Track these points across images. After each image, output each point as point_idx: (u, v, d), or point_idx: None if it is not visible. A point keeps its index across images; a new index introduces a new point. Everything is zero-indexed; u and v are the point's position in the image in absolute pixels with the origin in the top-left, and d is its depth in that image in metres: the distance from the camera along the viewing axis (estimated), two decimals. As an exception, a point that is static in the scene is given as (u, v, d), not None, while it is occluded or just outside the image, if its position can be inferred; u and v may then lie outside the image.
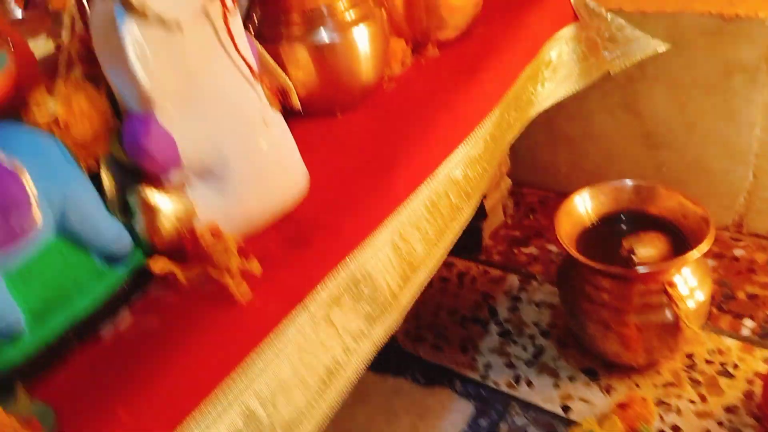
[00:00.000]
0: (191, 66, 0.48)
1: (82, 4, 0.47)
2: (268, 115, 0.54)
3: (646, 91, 0.90)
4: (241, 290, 0.47)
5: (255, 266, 0.49)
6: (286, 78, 0.61)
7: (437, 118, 0.64)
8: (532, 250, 0.99)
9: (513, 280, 0.94)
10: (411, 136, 0.62)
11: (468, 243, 0.98)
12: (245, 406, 0.45)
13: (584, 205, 0.80)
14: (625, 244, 0.72)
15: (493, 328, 0.87)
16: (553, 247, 0.99)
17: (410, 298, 0.59)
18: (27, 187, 0.42)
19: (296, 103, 0.61)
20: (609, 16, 0.82)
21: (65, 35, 0.48)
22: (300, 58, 0.63)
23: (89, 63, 0.49)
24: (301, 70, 0.64)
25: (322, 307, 0.50)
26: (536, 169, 0.81)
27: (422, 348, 0.85)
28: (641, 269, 0.71)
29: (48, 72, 0.52)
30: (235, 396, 0.45)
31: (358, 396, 0.80)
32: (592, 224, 0.80)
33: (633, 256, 0.71)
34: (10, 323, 0.43)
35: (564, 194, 1.11)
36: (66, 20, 0.48)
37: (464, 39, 0.76)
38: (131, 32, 0.44)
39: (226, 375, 0.45)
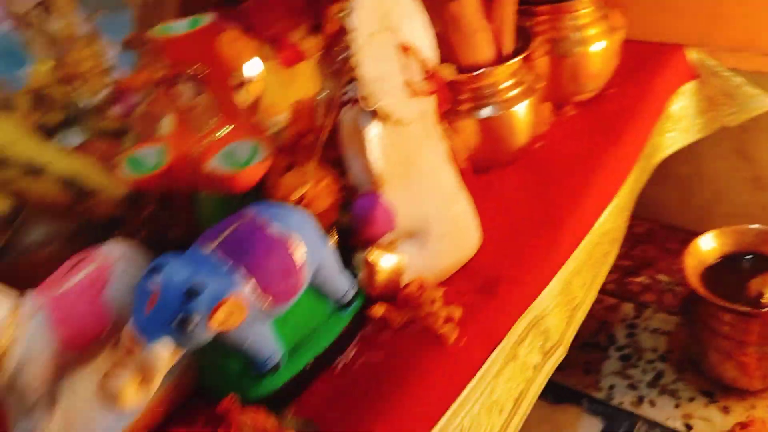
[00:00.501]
0: (410, 151, 0.57)
1: (332, 102, 0.57)
2: (457, 185, 0.63)
3: (758, 138, 0.95)
4: (447, 331, 0.57)
5: (457, 312, 0.59)
6: (458, 143, 0.70)
7: (592, 177, 0.72)
8: (643, 279, 1.06)
9: (628, 308, 1.01)
10: (569, 193, 0.70)
11: (582, 271, 1.06)
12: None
13: (708, 246, 0.86)
14: (754, 286, 0.79)
15: (613, 353, 0.94)
16: (663, 277, 1.06)
17: (572, 335, 0.67)
18: (298, 256, 0.52)
19: (464, 163, 0.70)
20: (727, 74, 0.88)
21: (323, 128, 0.58)
22: (467, 128, 0.72)
23: (327, 148, 0.59)
24: (468, 136, 0.73)
25: (512, 346, 0.59)
26: (644, 203, 0.88)
27: (548, 370, 0.94)
28: (768, 309, 0.78)
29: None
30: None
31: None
32: (716, 262, 0.86)
33: (762, 300, 0.77)
34: (276, 361, 0.54)
35: (671, 227, 1.18)
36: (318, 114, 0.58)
37: (598, 99, 0.84)
38: (373, 131, 0.54)
39: (440, 409, 0.54)
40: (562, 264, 0.64)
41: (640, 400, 0.87)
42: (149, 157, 0.60)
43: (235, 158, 0.58)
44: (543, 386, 0.63)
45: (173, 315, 0.46)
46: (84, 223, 0.65)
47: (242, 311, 0.48)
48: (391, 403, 0.52)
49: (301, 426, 0.52)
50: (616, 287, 1.05)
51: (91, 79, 1.01)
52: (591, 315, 1.01)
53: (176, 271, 0.48)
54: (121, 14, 1.14)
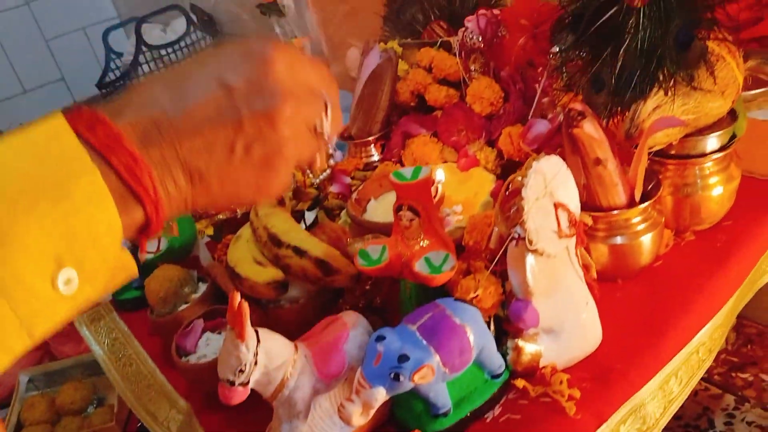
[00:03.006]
0: (554, 273, 0.77)
1: (503, 237, 0.79)
2: (587, 298, 0.82)
3: None
4: (568, 406, 0.76)
5: (577, 393, 0.77)
6: (590, 260, 0.88)
7: (696, 296, 0.87)
8: (747, 376, 1.16)
9: (729, 399, 1.12)
10: (675, 308, 0.86)
11: (693, 361, 1.18)
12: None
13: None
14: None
15: (710, 437, 1.07)
16: (765, 376, 1.15)
17: (665, 421, 0.82)
18: (471, 340, 0.74)
19: (594, 275, 0.88)
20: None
21: (495, 254, 0.79)
22: (599, 250, 0.90)
23: (497, 265, 0.80)
24: (599, 257, 0.90)
25: (615, 424, 0.76)
26: (758, 308, 0.99)
27: (652, 440, 1.07)
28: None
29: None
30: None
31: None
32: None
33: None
34: (447, 409, 0.75)
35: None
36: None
37: (714, 228, 0.98)
38: (530, 261, 0.74)
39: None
40: (662, 367, 0.80)
41: (728, 481, 0.99)
42: (375, 252, 0.84)
43: (432, 263, 0.80)
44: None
45: (390, 370, 0.69)
46: (323, 288, 0.91)
47: (432, 375, 0.69)
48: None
49: (459, 454, 0.73)
50: (722, 379, 1.16)
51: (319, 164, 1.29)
52: (697, 401, 1.14)
53: (393, 341, 0.71)
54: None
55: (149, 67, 2.28)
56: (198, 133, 0.46)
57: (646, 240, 0.88)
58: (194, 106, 0.46)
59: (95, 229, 0.42)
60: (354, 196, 1.16)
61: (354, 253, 0.85)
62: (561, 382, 0.77)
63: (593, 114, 0.81)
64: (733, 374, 1.17)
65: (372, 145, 1.34)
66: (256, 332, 0.69)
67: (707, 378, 1.18)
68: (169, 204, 0.47)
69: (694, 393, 1.16)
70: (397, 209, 0.80)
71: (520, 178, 0.74)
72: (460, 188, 1.18)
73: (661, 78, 0.83)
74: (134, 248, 0.51)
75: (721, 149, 0.91)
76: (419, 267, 0.79)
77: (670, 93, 0.83)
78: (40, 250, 0.39)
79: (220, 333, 0.91)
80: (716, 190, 0.93)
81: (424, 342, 0.71)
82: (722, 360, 1.21)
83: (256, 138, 0.48)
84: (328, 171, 1.29)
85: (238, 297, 0.67)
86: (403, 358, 0.69)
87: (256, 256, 0.89)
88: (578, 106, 0.80)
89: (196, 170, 0.47)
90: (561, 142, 0.92)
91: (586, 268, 0.84)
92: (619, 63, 0.87)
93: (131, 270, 0.47)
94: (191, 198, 0.48)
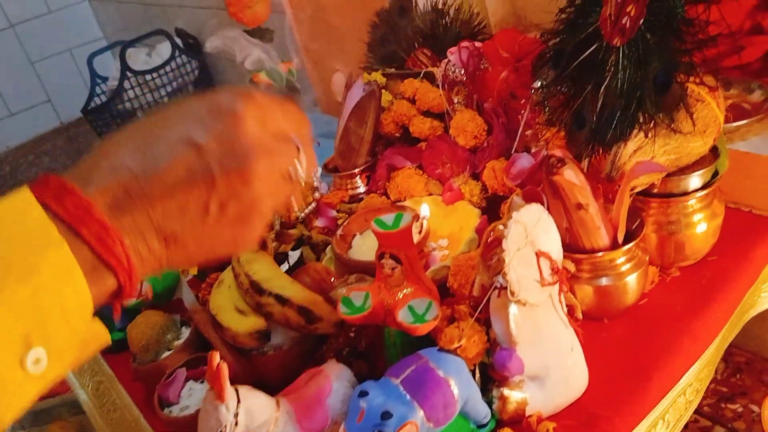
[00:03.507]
0: (538, 321, 0.76)
1: (485, 287, 0.78)
2: (573, 343, 0.81)
3: None
4: (554, 456, 0.75)
5: (563, 442, 0.76)
6: (576, 301, 0.88)
7: (682, 337, 0.86)
8: (737, 407, 1.16)
9: None
10: (662, 350, 0.85)
11: (683, 391, 1.18)
12: None
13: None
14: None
15: (701, 471, 1.06)
16: (755, 407, 1.15)
17: None
18: (455, 393, 0.73)
19: (580, 316, 0.87)
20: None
21: (478, 303, 0.79)
22: (584, 291, 0.89)
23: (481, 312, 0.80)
24: (585, 298, 0.90)
25: (600, 473, 0.76)
26: (746, 336, 0.99)
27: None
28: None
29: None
30: None
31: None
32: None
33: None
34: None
35: (769, 362, 1.26)
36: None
37: (699, 264, 0.97)
38: (513, 311, 0.74)
39: None
40: (649, 411, 0.80)
41: None
42: (358, 300, 0.83)
43: (415, 311, 0.80)
44: None
45: (373, 428, 0.68)
46: (307, 334, 0.90)
47: (416, 431, 0.69)
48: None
49: None
50: (712, 411, 1.16)
51: (303, 196, 1.29)
52: (686, 433, 1.13)
53: (376, 396, 0.70)
54: (327, 143, 1.42)
55: (134, 92, 2.27)
56: (170, 195, 0.45)
57: (631, 280, 0.88)
58: (164, 169, 0.45)
59: (65, 305, 0.41)
60: (339, 232, 1.15)
61: (337, 299, 0.84)
62: (547, 431, 0.76)
63: (573, 159, 0.81)
64: (723, 405, 1.17)
65: (357, 177, 1.34)
66: (237, 391, 0.68)
67: (697, 410, 1.17)
68: (143, 268, 0.46)
69: (685, 426, 1.15)
70: (380, 257, 0.79)
71: (501, 227, 0.74)
72: (445, 222, 1.18)
73: (641, 120, 0.83)
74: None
75: (704, 187, 0.91)
76: (402, 316, 0.78)
77: (650, 135, 0.83)
78: (8, 332, 0.38)
79: (203, 381, 0.89)
80: (700, 227, 0.93)
81: (408, 397, 0.70)
82: (711, 390, 1.20)
83: (230, 196, 0.47)
84: (313, 204, 1.28)
85: (217, 357, 0.66)
86: (386, 415, 0.68)
87: (237, 303, 0.88)
88: (558, 152, 0.80)
89: (171, 233, 0.46)
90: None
91: (571, 309, 0.84)
92: (600, 101, 0.87)
93: (103, 339, 0.46)
94: (166, 259, 0.47)
